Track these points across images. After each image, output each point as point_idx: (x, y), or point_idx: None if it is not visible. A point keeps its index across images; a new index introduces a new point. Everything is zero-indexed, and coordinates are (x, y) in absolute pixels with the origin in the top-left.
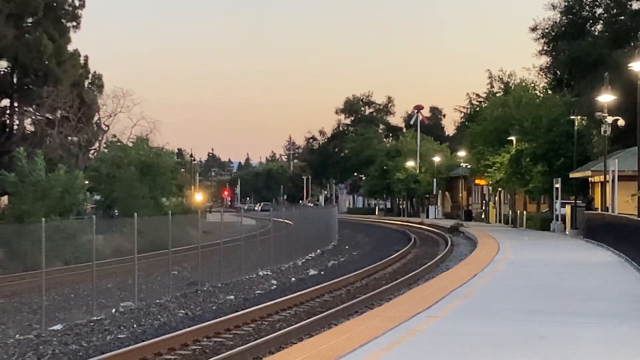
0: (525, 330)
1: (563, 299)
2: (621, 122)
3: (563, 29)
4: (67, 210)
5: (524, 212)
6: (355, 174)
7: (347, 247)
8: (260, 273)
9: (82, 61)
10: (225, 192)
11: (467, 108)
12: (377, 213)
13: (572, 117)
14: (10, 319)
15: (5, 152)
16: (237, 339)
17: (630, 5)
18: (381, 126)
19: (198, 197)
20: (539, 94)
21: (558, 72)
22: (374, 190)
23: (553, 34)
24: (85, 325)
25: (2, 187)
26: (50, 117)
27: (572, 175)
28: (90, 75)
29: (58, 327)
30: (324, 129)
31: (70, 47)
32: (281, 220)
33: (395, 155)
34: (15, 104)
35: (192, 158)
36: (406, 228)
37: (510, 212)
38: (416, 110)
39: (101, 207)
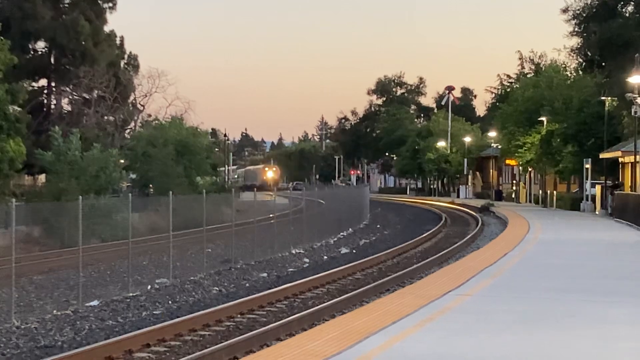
0: (556, 308)
1: (593, 278)
2: None
3: (594, 10)
4: (103, 189)
5: (554, 192)
6: (387, 154)
7: (378, 226)
8: (293, 251)
9: (118, 42)
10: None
11: (498, 89)
12: (408, 193)
13: (603, 98)
14: (48, 295)
15: (42, 131)
16: (270, 315)
17: None
18: (412, 107)
19: (270, 173)
20: (569, 75)
21: (589, 53)
22: (405, 170)
23: (584, 15)
24: (121, 301)
25: (40, 165)
26: (87, 97)
27: (602, 155)
28: (126, 56)
29: (95, 303)
30: (356, 109)
31: (107, 28)
32: (313, 199)
33: (426, 136)
34: (53, 84)
35: (226, 138)
36: (437, 208)
37: (540, 192)
38: (447, 91)
39: (137, 186)
